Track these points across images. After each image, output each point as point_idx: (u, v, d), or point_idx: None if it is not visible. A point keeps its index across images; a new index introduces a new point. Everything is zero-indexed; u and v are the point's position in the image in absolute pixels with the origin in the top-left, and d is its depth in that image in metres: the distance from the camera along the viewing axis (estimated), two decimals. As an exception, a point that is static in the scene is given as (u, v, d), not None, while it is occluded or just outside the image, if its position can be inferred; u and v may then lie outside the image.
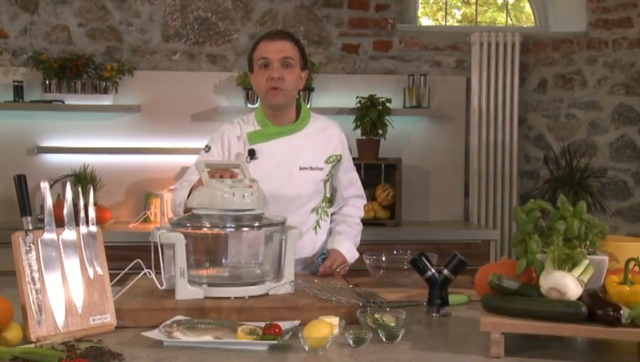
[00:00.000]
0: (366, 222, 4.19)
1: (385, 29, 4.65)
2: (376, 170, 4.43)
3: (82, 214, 1.86)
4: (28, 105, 4.28)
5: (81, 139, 4.38)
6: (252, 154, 2.54)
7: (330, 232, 2.67)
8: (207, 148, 2.59)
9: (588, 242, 1.76)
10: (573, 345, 1.78)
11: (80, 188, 3.88)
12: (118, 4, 4.48)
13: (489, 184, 4.63)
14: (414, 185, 4.62)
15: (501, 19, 5.27)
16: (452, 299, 2.10)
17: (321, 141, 2.62)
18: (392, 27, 4.65)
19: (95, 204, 4.02)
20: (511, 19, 5.30)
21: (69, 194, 1.82)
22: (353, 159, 4.31)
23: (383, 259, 2.46)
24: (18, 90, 4.26)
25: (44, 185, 1.77)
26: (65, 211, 1.82)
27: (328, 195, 2.65)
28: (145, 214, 4.23)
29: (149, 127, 4.43)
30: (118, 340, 1.75)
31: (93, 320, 1.80)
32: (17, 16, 4.44)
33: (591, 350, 1.76)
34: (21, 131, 4.36)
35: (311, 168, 2.56)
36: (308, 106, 4.35)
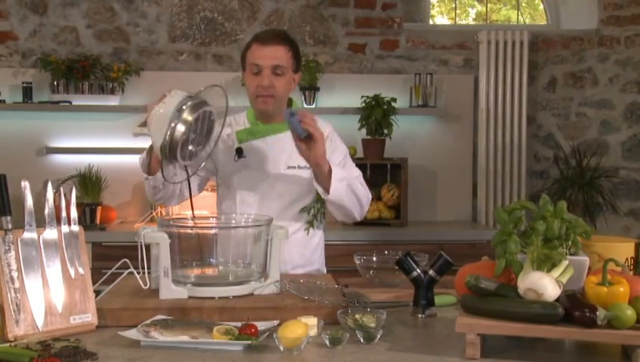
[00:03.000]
0: (371, 222, 4.22)
1: (391, 28, 4.62)
2: (381, 170, 4.41)
3: (64, 214, 1.85)
4: (36, 106, 4.32)
5: (89, 139, 4.41)
6: (240, 152, 2.50)
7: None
8: None
9: (570, 242, 1.73)
10: (558, 346, 1.75)
11: (84, 189, 3.96)
12: (125, 6, 4.51)
13: (497, 184, 4.58)
14: (421, 185, 4.59)
15: (516, 17, 5.23)
16: (439, 299, 2.08)
17: None
18: (398, 26, 4.63)
19: (100, 203, 4.09)
20: (523, 17, 5.25)
21: (49, 194, 1.83)
22: (359, 159, 4.34)
23: (374, 259, 2.44)
24: (27, 92, 4.31)
25: (24, 184, 1.78)
26: (45, 211, 1.82)
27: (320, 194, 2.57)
28: (151, 214, 4.25)
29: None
30: (96, 339, 1.75)
31: (74, 319, 1.81)
32: (27, 19, 4.48)
33: (576, 352, 1.73)
34: (30, 132, 4.41)
35: (299, 167, 2.50)
36: (315, 105, 4.36)
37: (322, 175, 2.35)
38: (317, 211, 2.58)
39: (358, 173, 2.57)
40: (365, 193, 2.50)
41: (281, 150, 2.52)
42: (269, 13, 4.56)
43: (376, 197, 4.31)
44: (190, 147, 2.17)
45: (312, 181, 2.50)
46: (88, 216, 4.01)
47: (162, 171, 2.25)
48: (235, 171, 2.53)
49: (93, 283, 2.01)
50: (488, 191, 4.58)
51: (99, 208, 4.05)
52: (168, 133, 2.07)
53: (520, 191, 4.57)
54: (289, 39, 2.51)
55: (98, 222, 4.05)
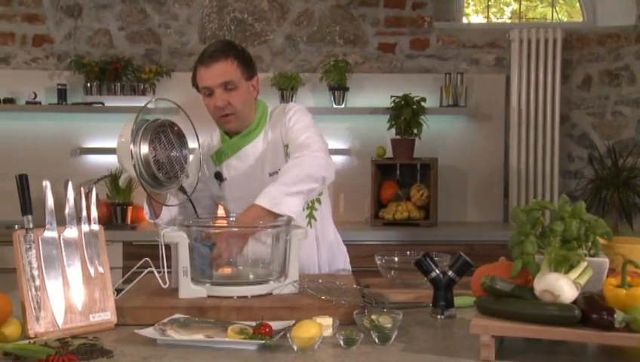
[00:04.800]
0: (400, 222, 4.20)
1: (422, 27, 4.59)
2: (411, 170, 4.39)
3: (84, 213, 1.88)
4: (70, 108, 4.40)
5: (121, 140, 4.47)
6: (219, 176, 2.48)
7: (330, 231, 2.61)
8: None
9: (590, 243, 1.69)
10: (580, 350, 1.70)
11: (115, 189, 4.01)
12: (157, 8, 4.56)
13: (529, 184, 4.52)
14: (452, 185, 4.56)
15: (554, 14, 5.15)
16: (459, 300, 2.05)
17: (279, 137, 2.44)
18: (429, 25, 4.60)
19: (131, 203, 4.14)
20: (559, 15, 5.17)
21: (70, 194, 1.86)
22: (388, 158, 4.32)
23: (396, 259, 2.42)
24: (62, 93, 4.39)
25: (45, 184, 1.81)
26: (66, 211, 1.85)
27: None
28: (181, 214, 4.29)
29: (187, 127, 4.47)
30: (114, 337, 1.77)
31: (93, 317, 1.83)
32: (62, 22, 4.57)
33: (597, 355, 1.69)
34: (64, 133, 4.50)
35: (280, 170, 2.36)
36: (344, 105, 4.36)
37: (271, 216, 2.14)
38: (311, 204, 2.50)
39: (304, 135, 2.34)
40: (315, 164, 2.24)
41: (256, 160, 2.45)
42: (299, 14, 4.57)
43: (406, 198, 4.28)
44: (176, 162, 2.16)
45: None
46: (119, 216, 4.06)
47: (150, 197, 2.28)
48: (222, 194, 2.51)
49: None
50: (520, 192, 4.52)
51: (129, 208, 4.10)
52: (135, 157, 2.06)
53: (553, 192, 4.50)
54: (231, 49, 2.38)
55: (129, 221, 4.11)
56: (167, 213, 2.38)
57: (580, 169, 4.68)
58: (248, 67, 2.41)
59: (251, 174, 2.45)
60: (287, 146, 2.41)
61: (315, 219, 2.52)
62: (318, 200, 2.53)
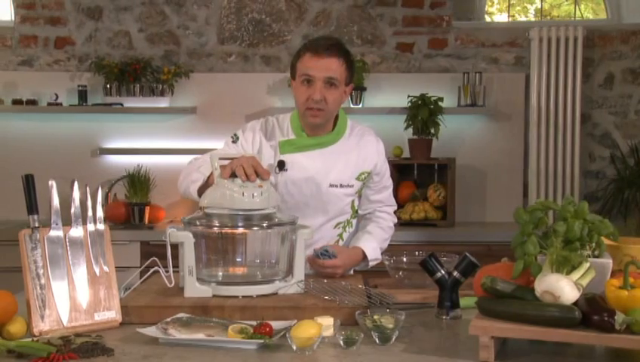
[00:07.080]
0: (417, 223, 4.17)
1: (440, 26, 4.56)
2: (428, 170, 4.36)
3: (90, 213, 1.90)
4: (90, 108, 4.45)
5: (140, 140, 4.51)
6: (282, 165, 2.42)
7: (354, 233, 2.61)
8: (235, 138, 2.47)
9: (594, 244, 1.67)
10: (587, 352, 1.67)
11: (133, 189, 4.05)
12: (175, 9, 4.59)
13: (549, 184, 4.46)
14: (470, 185, 4.52)
15: (577, 12, 5.08)
16: (466, 301, 2.04)
17: (355, 156, 2.48)
18: (447, 24, 4.56)
19: (148, 203, 4.18)
20: (582, 12, 5.10)
21: (76, 194, 1.88)
22: (405, 158, 4.31)
23: (404, 259, 2.41)
24: (82, 94, 4.44)
25: (51, 183, 1.84)
26: (72, 210, 1.87)
27: (356, 208, 2.56)
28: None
29: (205, 128, 4.51)
30: (118, 336, 1.78)
31: (98, 316, 1.85)
32: (83, 24, 4.62)
33: (604, 358, 1.66)
34: (85, 133, 4.55)
35: (341, 186, 2.43)
36: (362, 105, 4.36)
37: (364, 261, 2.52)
38: (347, 223, 2.56)
39: (390, 190, 2.64)
40: (392, 221, 2.64)
41: (324, 167, 2.44)
42: (317, 14, 4.56)
43: (423, 198, 4.26)
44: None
45: (350, 200, 2.51)
46: (137, 216, 4.10)
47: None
48: (274, 183, 2.44)
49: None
50: (539, 192, 4.46)
51: (147, 208, 4.14)
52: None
53: (573, 192, 4.43)
54: (343, 50, 2.41)
55: (146, 221, 4.14)
56: None
57: (602, 169, 4.61)
58: (351, 73, 2.42)
59: (312, 177, 2.43)
60: (369, 173, 2.51)
61: (343, 240, 2.55)
62: (350, 224, 2.56)
